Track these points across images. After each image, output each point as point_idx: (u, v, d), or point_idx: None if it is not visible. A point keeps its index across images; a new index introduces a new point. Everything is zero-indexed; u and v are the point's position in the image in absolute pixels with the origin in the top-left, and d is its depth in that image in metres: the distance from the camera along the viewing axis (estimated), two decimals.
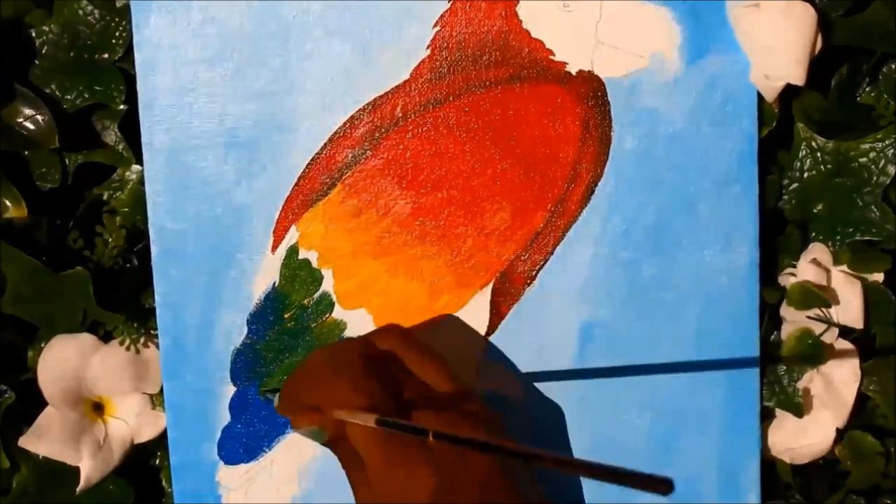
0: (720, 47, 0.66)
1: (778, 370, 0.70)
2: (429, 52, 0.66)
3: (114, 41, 0.68)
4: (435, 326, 0.68)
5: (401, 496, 0.54)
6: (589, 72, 0.66)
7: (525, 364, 0.69)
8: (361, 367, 0.58)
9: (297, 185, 0.67)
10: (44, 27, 0.68)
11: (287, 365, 0.69)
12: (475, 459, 0.56)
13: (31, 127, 0.67)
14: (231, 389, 0.69)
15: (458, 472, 0.55)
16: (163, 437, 0.70)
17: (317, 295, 0.68)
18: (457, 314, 0.68)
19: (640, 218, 0.68)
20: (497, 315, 0.68)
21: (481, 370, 0.69)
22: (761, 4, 0.65)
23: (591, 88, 0.66)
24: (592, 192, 0.67)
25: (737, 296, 0.68)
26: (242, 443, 0.69)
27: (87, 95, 0.68)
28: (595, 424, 0.69)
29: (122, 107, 0.68)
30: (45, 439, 0.68)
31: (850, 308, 0.69)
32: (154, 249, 0.67)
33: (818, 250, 0.69)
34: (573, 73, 0.66)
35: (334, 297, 0.68)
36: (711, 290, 0.68)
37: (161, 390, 0.69)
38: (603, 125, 0.67)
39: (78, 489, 0.69)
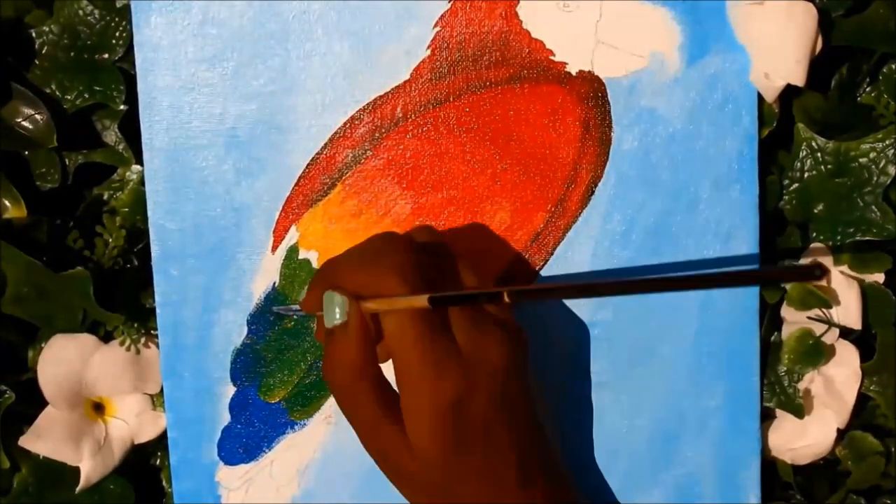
0: (720, 47, 0.66)
1: (778, 370, 0.70)
2: (429, 52, 0.66)
3: (114, 41, 0.68)
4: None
5: (429, 395, 0.55)
6: (589, 72, 0.66)
7: None
8: (413, 265, 0.56)
9: (297, 185, 0.67)
10: (44, 27, 0.67)
11: (287, 364, 0.69)
12: (503, 373, 0.57)
13: (30, 126, 0.67)
14: (231, 389, 0.69)
15: (484, 382, 0.56)
16: (163, 437, 0.70)
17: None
18: None
19: (640, 218, 0.68)
20: None
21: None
22: (764, 3, 0.65)
23: (591, 88, 0.66)
24: (592, 192, 0.67)
25: (737, 296, 0.68)
26: (242, 443, 0.69)
27: (87, 95, 0.68)
28: (595, 424, 0.69)
29: (122, 107, 0.68)
30: (45, 439, 0.68)
31: (849, 309, 0.69)
32: (154, 249, 0.67)
33: (818, 250, 0.69)
34: (573, 73, 0.66)
35: None
36: (712, 291, 0.68)
37: (161, 390, 0.69)
38: (603, 125, 0.67)
39: (78, 489, 0.69)
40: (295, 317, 0.67)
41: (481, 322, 0.57)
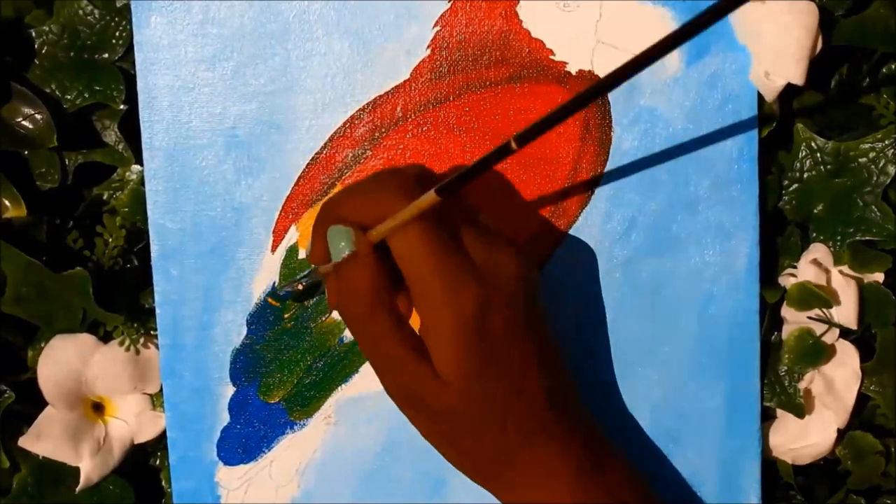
0: (720, 47, 0.66)
1: (778, 370, 0.70)
2: (429, 51, 0.66)
3: (114, 41, 0.68)
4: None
5: (450, 310, 0.54)
6: (589, 71, 0.66)
7: None
8: (414, 184, 0.55)
9: (296, 184, 0.67)
10: (44, 27, 0.67)
11: (286, 364, 0.69)
12: (520, 286, 0.56)
13: (29, 126, 0.67)
14: (230, 389, 0.69)
15: (503, 295, 0.55)
16: (163, 437, 0.70)
17: (317, 295, 0.68)
18: None
19: (639, 218, 0.68)
20: None
21: None
22: (766, 1, 0.65)
23: None
24: (592, 191, 0.67)
25: (737, 296, 0.68)
26: (242, 443, 0.69)
27: (86, 95, 0.68)
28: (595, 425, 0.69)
29: (122, 107, 0.68)
30: (45, 439, 0.68)
31: (847, 308, 0.69)
32: (154, 249, 0.67)
33: (818, 250, 0.69)
34: (573, 72, 0.66)
35: None
36: (711, 291, 0.68)
37: (161, 390, 0.69)
38: (603, 125, 0.67)
39: (78, 489, 0.68)
40: (301, 285, 0.67)
41: (494, 239, 0.57)
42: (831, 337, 0.69)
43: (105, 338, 0.68)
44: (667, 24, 0.66)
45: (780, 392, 0.70)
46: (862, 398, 0.71)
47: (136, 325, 0.68)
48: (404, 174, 0.57)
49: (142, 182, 0.68)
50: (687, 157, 0.67)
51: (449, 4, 0.66)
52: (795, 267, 0.70)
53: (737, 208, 0.67)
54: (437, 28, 0.66)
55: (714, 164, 0.67)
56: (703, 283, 0.68)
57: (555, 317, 0.68)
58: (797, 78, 0.65)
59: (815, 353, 0.69)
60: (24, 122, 0.67)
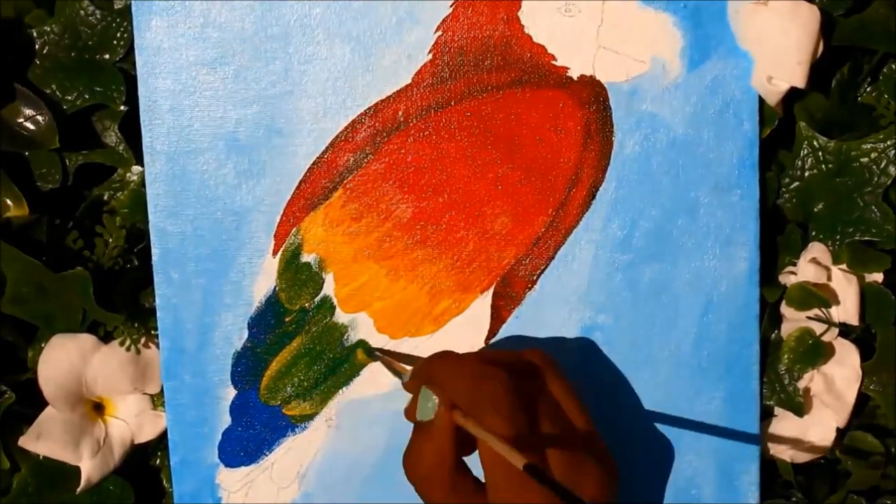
0: (721, 52, 0.66)
1: (778, 369, 0.70)
2: (430, 56, 0.66)
3: (115, 42, 0.67)
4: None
5: None
6: (590, 76, 0.66)
7: None
8: (509, 391, 0.57)
9: (298, 188, 0.67)
10: (44, 27, 0.67)
11: (287, 366, 0.69)
12: None
13: (32, 127, 0.67)
14: (231, 392, 0.69)
15: None
16: (163, 437, 0.70)
17: (317, 298, 0.68)
18: (457, 318, 0.68)
19: (640, 222, 0.68)
20: (498, 319, 0.68)
21: None
22: (768, 3, 0.65)
23: (592, 93, 0.66)
24: (594, 196, 0.67)
25: (737, 301, 0.68)
26: (243, 445, 0.69)
27: (87, 96, 0.68)
28: (596, 426, 0.69)
29: (122, 108, 0.68)
30: (45, 439, 0.68)
31: (848, 305, 0.69)
32: (155, 252, 0.67)
33: (817, 250, 0.69)
34: (574, 77, 0.66)
35: (335, 301, 0.68)
36: (712, 295, 0.68)
37: (161, 390, 0.69)
38: (604, 130, 0.67)
39: (78, 489, 0.69)
40: (391, 370, 0.67)
41: (581, 461, 0.58)
42: (831, 336, 0.69)
43: (105, 338, 0.69)
44: (668, 29, 0.66)
45: (780, 390, 0.70)
46: (862, 398, 0.71)
47: (136, 324, 0.68)
48: (512, 398, 0.57)
49: (142, 183, 0.68)
50: (688, 163, 0.67)
51: (451, 9, 0.66)
52: (795, 265, 0.70)
53: (737, 213, 0.68)
54: (439, 33, 0.66)
55: (714, 168, 0.67)
56: (703, 288, 0.68)
57: (556, 322, 0.69)
58: (799, 81, 0.65)
59: (815, 353, 0.69)
60: (26, 123, 0.67)
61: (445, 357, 0.60)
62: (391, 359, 0.65)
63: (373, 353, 0.68)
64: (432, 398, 0.57)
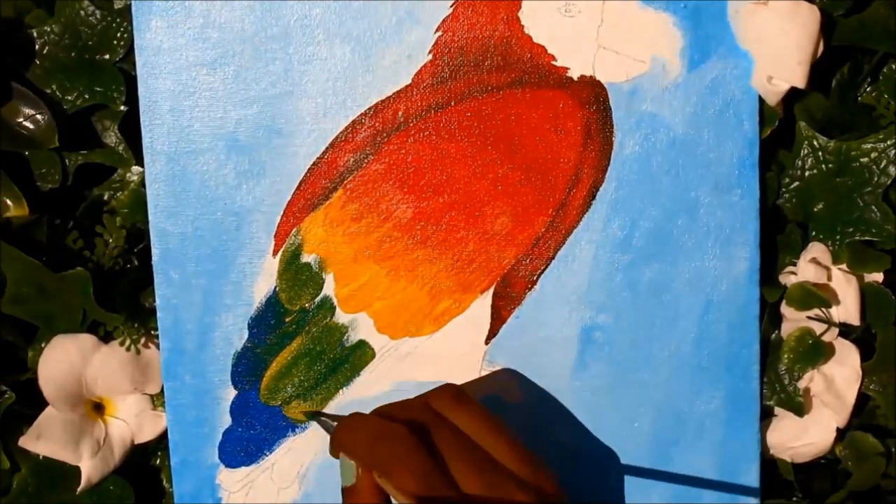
0: (721, 53, 0.66)
1: (778, 369, 0.70)
2: (431, 56, 0.66)
3: (115, 42, 0.67)
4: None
5: None
6: (590, 76, 0.66)
7: (526, 368, 0.69)
8: (409, 445, 0.56)
9: (298, 188, 0.67)
10: (45, 27, 0.67)
11: (288, 367, 0.69)
12: None
13: (31, 126, 0.67)
14: (232, 392, 0.69)
15: None
16: (163, 437, 0.70)
17: (318, 299, 0.68)
18: (457, 318, 0.68)
19: (640, 222, 0.68)
20: (498, 319, 0.68)
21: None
22: (769, 3, 0.65)
23: (592, 93, 0.66)
24: (594, 196, 0.67)
25: (737, 301, 0.68)
26: (243, 446, 0.69)
27: (87, 96, 0.68)
28: (596, 426, 0.70)
29: (122, 108, 0.68)
30: (45, 439, 0.68)
31: (848, 305, 0.69)
32: (155, 252, 0.67)
33: (817, 250, 0.69)
34: (574, 77, 0.66)
35: (335, 301, 0.68)
36: (712, 295, 0.68)
37: (161, 390, 0.69)
38: (604, 130, 0.67)
39: (78, 489, 0.69)
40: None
41: (500, 486, 0.57)
42: (831, 336, 0.69)
43: (105, 338, 0.69)
44: (668, 29, 0.66)
45: (780, 390, 0.70)
46: (862, 398, 0.71)
47: (136, 324, 0.68)
48: (414, 450, 0.57)
49: (142, 183, 0.68)
50: (688, 163, 0.67)
51: (451, 9, 0.66)
52: (795, 265, 0.70)
53: (737, 213, 0.67)
54: (439, 33, 0.66)
55: (715, 169, 0.67)
56: (703, 288, 0.68)
57: (557, 322, 0.69)
58: (799, 81, 0.65)
59: (815, 353, 0.69)
60: (25, 123, 0.67)
61: (349, 421, 0.60)
62: (332, 421, 0.65)
63: (315, 417, 0.67)
64: (350, 463, 0.58)
